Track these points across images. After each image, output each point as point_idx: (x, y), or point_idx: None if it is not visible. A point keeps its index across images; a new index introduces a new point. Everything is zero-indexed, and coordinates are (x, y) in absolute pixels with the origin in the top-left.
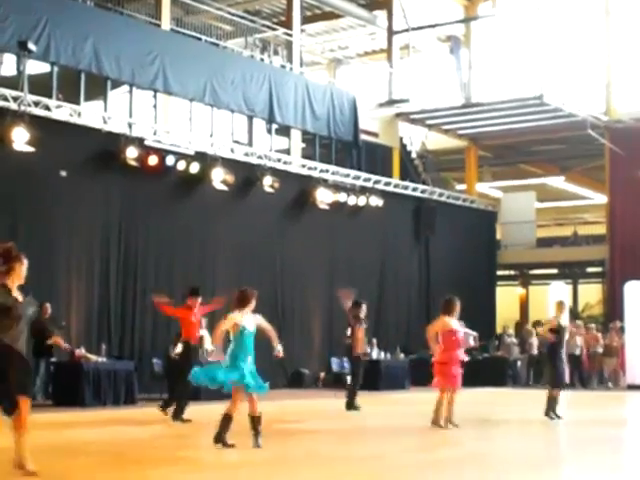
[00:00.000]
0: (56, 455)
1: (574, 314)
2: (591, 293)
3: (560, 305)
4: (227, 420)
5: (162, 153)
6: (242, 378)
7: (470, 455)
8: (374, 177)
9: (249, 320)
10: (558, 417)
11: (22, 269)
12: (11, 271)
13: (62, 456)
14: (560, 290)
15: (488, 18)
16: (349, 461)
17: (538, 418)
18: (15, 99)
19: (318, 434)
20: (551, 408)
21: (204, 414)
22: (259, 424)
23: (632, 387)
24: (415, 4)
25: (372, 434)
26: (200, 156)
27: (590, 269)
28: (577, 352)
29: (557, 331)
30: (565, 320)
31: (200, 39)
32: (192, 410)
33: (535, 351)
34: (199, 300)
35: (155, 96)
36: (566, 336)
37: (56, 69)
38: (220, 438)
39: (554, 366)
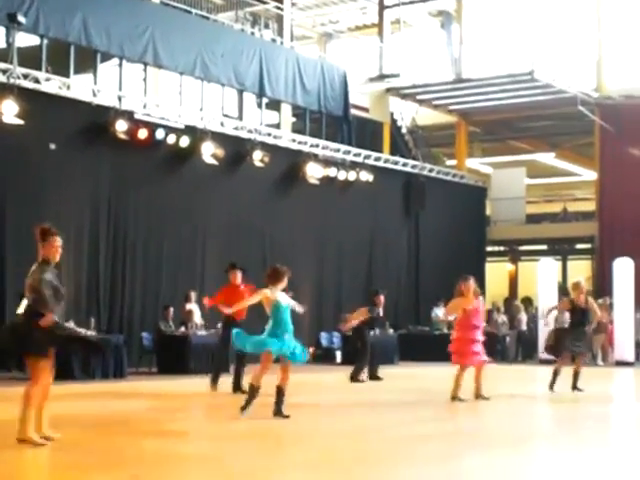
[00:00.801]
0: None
1: (563, 290)
2: (580, 269)
3: (576, 286)
4: (254, 391)
5: (152, 126)
6: (282, 348)
7: (457, 430)
8: (364, 152)
9: (282, 296)
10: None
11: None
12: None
13: (52, 428)
14: (549, 266)
15: None
16: (335, 435)
17: (526, 393)
18: (4, 72)
19: (306, 408)
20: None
21: (194, 387)
22: (284, 395)
23: (620, 363)
24: None
25: (359, 409)
26: (190, 130)
27: (579, 245)
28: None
29: (572, 310)
30: (581, 299)
31: (190, 12)
32: (180, 384)
33: (524, 327)
34: (238, 274)
35: (145, 69)
36: (593, 313)
37: (45, 42)
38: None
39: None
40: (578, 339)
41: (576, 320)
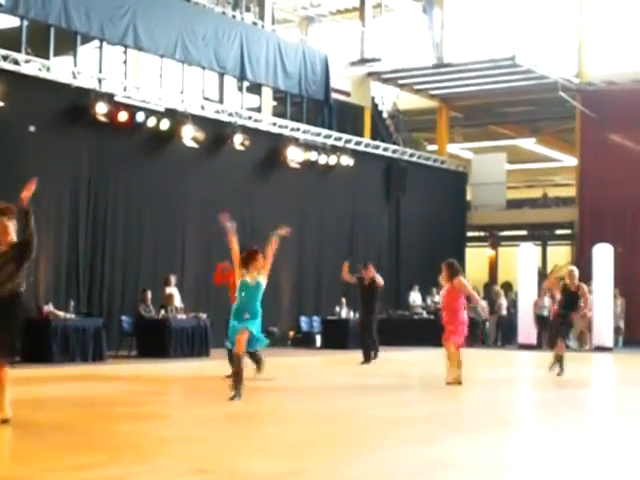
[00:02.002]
0: (24, 409)
1: (542, 276)
2: (560, 255)
3: (570, 273)
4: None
5: (132, 109)
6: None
7: (438, 413)
8: (345, 136)
9: (253, 276)
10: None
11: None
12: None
13: (30, 410)
14: (529, 252)
15: None
16: (315, 418)
17: (505, 377)
18: None
19: (285, 391)
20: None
21: (174, 371)
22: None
23: (599, 348)
24: None
25: (340, 392)
26: (170, 113)
27: (559, 231)
28: (545, 313)
29: (563, 292)
30: (575, 285)
31: None
32: (160, 367)
33: (504, 312)
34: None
35: (125, 52)
36: (582, 301)
37: (25, 23)
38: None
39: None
40: (567, 325)
41: (565, 302)
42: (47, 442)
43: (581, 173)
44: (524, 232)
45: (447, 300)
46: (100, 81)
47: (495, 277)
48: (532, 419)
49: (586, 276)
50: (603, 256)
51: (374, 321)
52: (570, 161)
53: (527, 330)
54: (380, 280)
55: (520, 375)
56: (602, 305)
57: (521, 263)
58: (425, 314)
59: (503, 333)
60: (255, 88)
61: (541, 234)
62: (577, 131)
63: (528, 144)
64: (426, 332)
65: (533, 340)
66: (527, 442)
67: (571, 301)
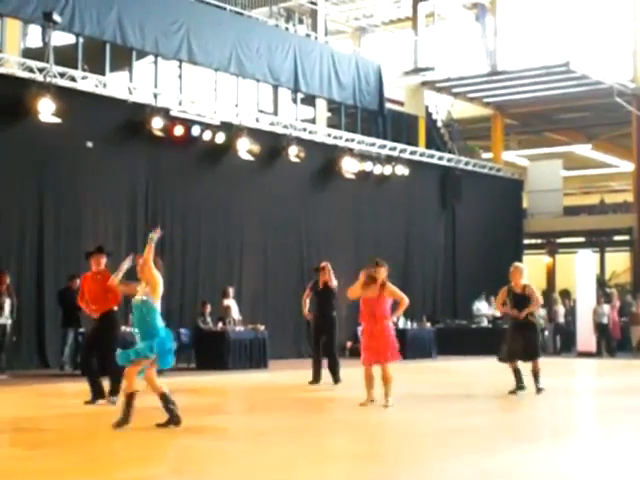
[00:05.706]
0: (88, 422)
1: (601, 282)
2: (618, 261)
3: (514, 270)
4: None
5: (188, 123)
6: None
7: (496, 423)
8: (400, 146)
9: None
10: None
11: None
12: None
13: (94, 423)
14: (587, 259)
15: None
16: (375, 428)
17: (564, 386)
18: (41, 70)
19: (341, 402)
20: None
21: (232, 383)
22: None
23: None
24: None
25: (398, 402)
26: (226, 126)
27: (617, 237)
28: (605, 321)
29: (509, 298)
30: (520, 286)
31: (224, 8)
32: (218, 379)
33: (561, 319)
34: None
35: (180, 66)
36: (533, 300)
37: (81, 40)
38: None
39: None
40: (518, 340)
41: (514, 307)
42: (108, 453)
43: (638, 178)
44: (582, 239)
45: (377, 307)
46: (155, 96)
47: (553, 285)
48: (591, 428)
49: None
50: None
51: (334, 335)
52: (627, 166)
53: (586, 338)
54: (334, 283)
55: (580, 383)
56: None
57: (579, 270)
58: (485, 323)
59: (561, 341)
60: (309, 100)
61: (599, 241)
62: (633, 136)
63: (584, 150)
64: (485, 341)
65: (592, 348)
66: (588, 451)
67: (520, 305)
